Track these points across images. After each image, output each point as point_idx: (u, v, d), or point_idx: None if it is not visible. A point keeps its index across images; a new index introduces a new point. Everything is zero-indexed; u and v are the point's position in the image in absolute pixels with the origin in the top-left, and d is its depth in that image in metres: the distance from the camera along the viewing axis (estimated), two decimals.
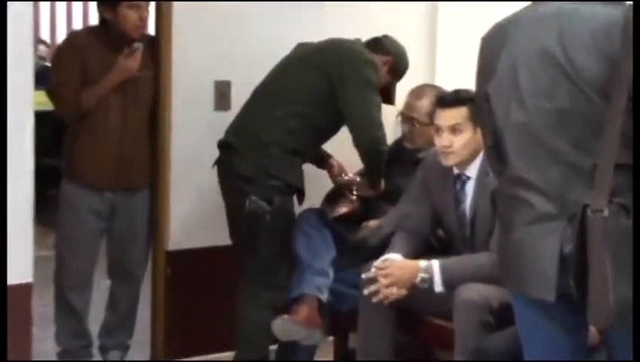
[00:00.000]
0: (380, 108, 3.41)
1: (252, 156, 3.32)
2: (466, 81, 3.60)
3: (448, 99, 3.09)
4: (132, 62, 3.44)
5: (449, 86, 3.69)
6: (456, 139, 3.06)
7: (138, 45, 3.45)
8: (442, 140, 3.07)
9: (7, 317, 2.37)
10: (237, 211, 3.34)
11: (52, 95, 3.52)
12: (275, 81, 3.45)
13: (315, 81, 3.36)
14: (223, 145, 3.46)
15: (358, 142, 3.38)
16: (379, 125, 3.36)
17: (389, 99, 3.64)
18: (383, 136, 3.39)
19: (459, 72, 3.96)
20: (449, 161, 3.10)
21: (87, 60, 3.44)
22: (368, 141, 3.36)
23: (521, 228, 2.17)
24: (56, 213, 3.58)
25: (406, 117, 3.68)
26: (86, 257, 3.61)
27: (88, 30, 3.69)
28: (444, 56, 4.30)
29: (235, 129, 3.46)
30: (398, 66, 3.60)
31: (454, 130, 3.05)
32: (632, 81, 1.97)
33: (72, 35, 3.75)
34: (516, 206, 2.19)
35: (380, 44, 3.57)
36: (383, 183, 3.65)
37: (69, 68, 3.43)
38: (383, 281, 3.04)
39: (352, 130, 3.39)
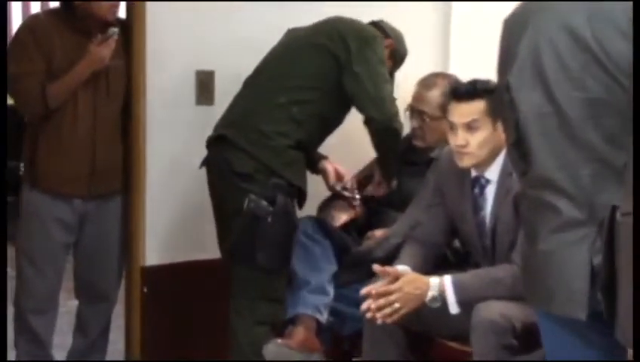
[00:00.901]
0: (392, 85, 3.46)
1: (253, 150, 3.30)
2: (481, 75, 3.67)
3: (463, 92, 3.06)
4: (106, 50, 3.39)
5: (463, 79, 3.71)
6: (472, 138, 3.03)
7: (114, 31, 3.41)
8: (457, 139, 3.05)
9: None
10: (233, 214, 3.30)
11: (11, 88, 3.43)
12: (273, 68, 3.46)
13: (319, 62, 3.38)
14: (214, 140, 3.43)
15: (370, 120, 3.39)
16: (392, 101, 3.39)
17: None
18: (397, 112, 3.41)
19: (473, 67, 4.04)
20: (464, 163, 3.09)
21: (51, 48, 3.38)
22: (382, 117, 3.35)
23: (546, 236, 2.16)
24: (16, 224, 3.53)
25: (415, 110, 3.67)
26: (52, 276, 3.58)
27: (50, 13, 3.58)
28: (458, 53, 4.35)
29: (228, 122, 3.44)
30: (398, 51, 3.67)
31: (470, 127, 3.03)
32: (633, 81, 1.96)
33: (32, 19, 3.61)
34: (541, 211, 2.18)
35: (380, 28, 3.61)
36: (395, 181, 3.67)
37: (31, 56, 3.37)
38: (391, 297, 3.00)
39: (362, 108, 3.39)
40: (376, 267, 3.07)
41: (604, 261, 2.01)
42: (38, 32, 3.39)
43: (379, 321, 2.98)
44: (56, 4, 3.63)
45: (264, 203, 3.22)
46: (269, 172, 3.29)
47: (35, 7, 8.76)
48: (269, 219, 3.22)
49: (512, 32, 2.26)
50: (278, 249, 3.31)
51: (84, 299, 3.70)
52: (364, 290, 3.04)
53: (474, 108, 3.02)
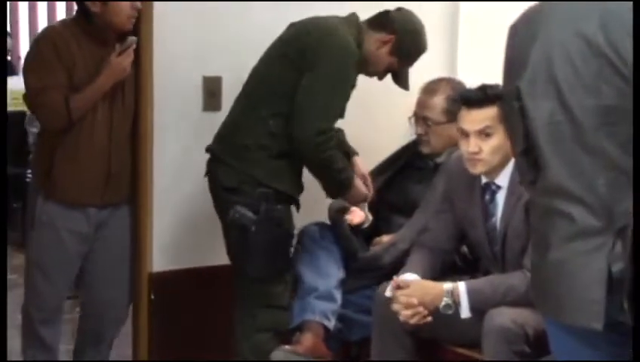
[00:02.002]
0: (339, 102, 3.28)
1: (236, 164, 3.31)
2: (489, 79, 3.65)
3: (474, 98, 3.04)
4: (127, 59, 3.38)
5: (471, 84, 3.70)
6: (485, 144, 3.02)
7: (133, 39, 3.39)
8: (469, 146, 3.03)
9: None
10: (226, 224, 3.34)
11: (34, 102, 3.40)
12: (255, 77, 3.43)
13: (284, 74, 3.31)
14: (209, 154, 3.45)
15: (292, 138, 3.25)
16: (319, 124, 3.21)
17: (399, 82, 3.54)
18: (320, 143, 3.22)
19: (481, 71, 4.03)
20: (477, 169, 3.07)
21: (72, 60, 3.35)
22: (302, 138, 3.22)
23: (559, 245, 2.13)
24: (23, 232, 3.52)
25: (419, 117, 3.66)
26: (62, 286, 3.57)
27: (67, 24, 3.50)
28: (466, 56, 4.33)
29: (219, 135, 3.45)
30: (404, 47, 3.47)
31: (483, 133, 3.02)
32: (633, 81, 1.95)
33: (51, 31, 3.53)
34: (553, 220, 2.14)
35: (385, 21, 3.47)
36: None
37: (53, 69, 3.32)
38: (402, 299, 3.00)
39: (293, 122, 3.25)
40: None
41: (631, 268, 1.97)
42: (59, 44, 3.35)
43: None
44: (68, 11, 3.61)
45: (248, 212, 3.21)
46: (255, 183, 3.27)
47: (61, 8, 8.71)
48: (253, 229, 3.21)
49: (521, 38, 2.22)
50: (266, 257, 3.27)
51: (90, 309, 3.66)
52: (388, 290, 3.06)
53: (486, 115, 3.01)
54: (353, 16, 3.46)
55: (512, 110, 2.23)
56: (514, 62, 2.24)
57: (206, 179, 3.45)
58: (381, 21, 3.48)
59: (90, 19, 3.38)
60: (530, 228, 2.34)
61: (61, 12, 8.68)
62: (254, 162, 3.29)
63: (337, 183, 3.40)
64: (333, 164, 3.31)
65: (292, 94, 3.26)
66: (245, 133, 3.32)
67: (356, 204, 3.59)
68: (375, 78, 3.56)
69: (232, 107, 3.46)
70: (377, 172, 3.80)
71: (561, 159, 2.12)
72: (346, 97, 3.29)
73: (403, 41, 3.46)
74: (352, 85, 3.32)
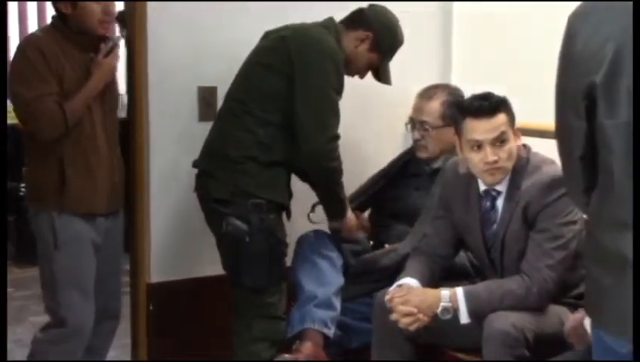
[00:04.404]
0: (336, 107, 3.30)
1: (227, 176, 3.31)
2: (485, 80, 3.69)
3: (485, 108, 3.01)
4: (115, 59, 3.41)
5: (466, 88, 3.73)
6: (501, 152, 3.02)
7: (115, 40, 3.42)
8: (487, 156, 3.01)
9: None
10: (219, 237, 3.36)
11: (27, 111, 3.32)
12: (239, 88, 3.43)
13: (271, 83, 3.32)
14: (196, 168, 3.46)
15: (300, 152, 3.29)
16: (326, 132, 3.27)
17: (381, 78, 3.57)
18: (332, 147, 3.29)
19: (476, 73, 4.07)
20: (497, 178, 3.06)
21: (60, 67, 3.33)
22: (314, 147, 3.26)
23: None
24: (48, 255, 3.37)
25: (416, 121, 3.69)
26: (92, 298, 3.46)
27: (47, 31, 3.46)
28: (460, 57, 4.34)
29: (206, 148, 3.46)
30: (383, 41, 3.50)
31: (500, 140, 3.01)
32: (633, 81, 1.90)
33: (36, 39, 3.43)
34: (625, 234, 1.95)
35: (360, 18, 3.50)
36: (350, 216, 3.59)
37: (46, 77, 3.29)
38: (401, 308, 3.02)
39: (297, 137, 3.28)
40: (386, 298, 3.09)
41: None
42: (47, 51, 3.32)
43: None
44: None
45: (240, 224, 3.23)
46: (247, 194, 3.28)
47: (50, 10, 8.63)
48: (247, 239, 3.23)
49: (592, 30, 2.01)
50: (261, 267, 3.29)
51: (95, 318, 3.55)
52: (387, 297, 3.07)
53: (499, 122, 3.01)
54: (330, 20, 3.47)
55: (572, 109, 2.06)
56: (583, 58, 2.02)
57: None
58: (356, 19, 3.50)
59: (65, 24, 3.37)
60: (591, 240, 2.11)
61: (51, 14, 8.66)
62: (245, 173, 3.30)
63: (340, 200, 3.47)
64: (340, 174, 3.37)
65: (281, 104, 3.28)
66: (234, 145, 3.32)
67: (351, 228, 3.60)
68: (372, 86, 3.60)
69: (217, 120, 3.47)
70: (374, 180, 3.83)
71: (629, 167, 1.95)
72: (338, 102, 3.32)
73: (381, 36, 3.50)
74: (341, 90, 3.35)
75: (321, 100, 3.27)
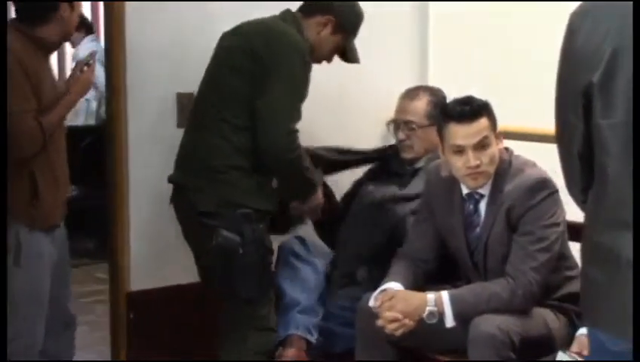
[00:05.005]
0: (300, 102, 3.23)
1: (210, 187, 3.23)
2: (462, 81, 3.70)
3: (467, 113, 3.02)
4: (91, 75, 3.36)
5: (444, 88, 3.75)
6: (484, 156, 3.03)
7: (94, 53, 3.40)
8: (469, 160, 3.03)
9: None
10: (205, 249, 3.24)
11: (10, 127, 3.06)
12: (207, 94, 3.34)
13: (244, 87, 3.23)
14: (173, 182, 3.38)
15: (262, 150, 3.20)
16: (285, 126, 3.18)
17: (349, 58, 3.49)
18: (290, 142, 3.19)
19: (453, 74, 4.08)
20: (479, 182, 3.08)
21: (37, 76, 3.20)
22: (271, 140, 3.17)
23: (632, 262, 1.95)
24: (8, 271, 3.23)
25: (402, 122, 3.69)
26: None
27: (15, 35, 3.21)
28: (437, 57, 4.33)
29: (183, 160, 3.37)
30: (346, 22, 3.42)
31: (482, 145, 3.03)
32: (633, 82, 1.91)
33: (14, 46, 3.17)
34: (622, 233, 1.96)
35: (318, 3, 3.41)
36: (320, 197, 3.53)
37: (25, 90, 3.14)
38: (386, 314, 3.02)
39: (257, 133, 3.19)
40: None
41: None
42: (25, 60, 3.16)
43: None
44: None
45: (232, 236, 3.16)
46: (232, 205, 3.20)
47: None
48: (241, 251, 3.17)
49: (589, 28, 2.01)
50: (253, 277, 3.24)
51: (51, 330, 3.39)
52: (372, 303, 3.08)
53: (481, 127, 3.02)
54: (287, 12, 3.39)
55: (571, 108, 2.06)
56: (581, 57, 2.02)
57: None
58: (313, 5, 3.42)
59: (35, 24, 3.21)
60: (587, 239, 2.11)
61: None
62: (228, 183, 3.22)
63: (306, 182, 3.36)
64: (302, 162, 3.28)
65: (250, 106, 3.20)
66: (214, 154, 3.24)
67: (315, 207, 3.56)
68: (349, 89, 3.59)
69: (191, 130, 3.38)
70: (358, 181, 3.83)
71: (628, 166, 1.95)
72: (304, 97, 3.25)
73: (343, 17, 3.41)
74: (308, 83, 3.28)
75: (283, 95, 3.18)
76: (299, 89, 3.23)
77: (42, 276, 3.30)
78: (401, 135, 3.69)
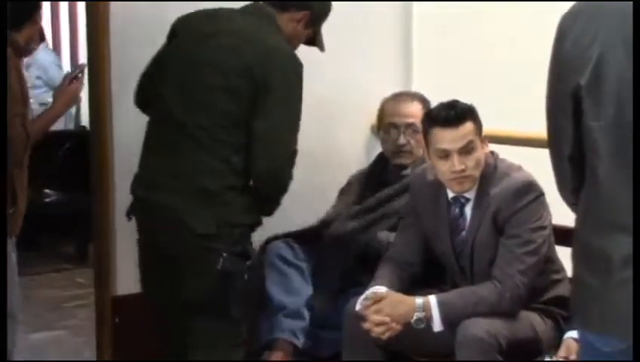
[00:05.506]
0: (297, 127, 3.15)
1: (208, 211, 3.04)
2: (446, 85, 3.72)
3: (452, 117, 3.03)
4: (79, 87, 3.37)
5: (428, 92, 3.76)
6: (469, 160, 3.05)
7: (83, 66, 3.42)
8: (454, 165, 3.03)
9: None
10: (195, 273, 3.07)
11: None
12: (195, 112, 3.09)
13: (240, 109, 3.05)
14: (146, 201, 3.19)
15: (258, 171, 3.08)
16: (288, 149, 3.11)
17: (318, 45, 3.36)
18: (291, 166, 3.13)
19: (437, 77, 4.10)
20: (465, 187, 3.10)
21: (26, 89, 3.22)
22: (278, 164, 3.08)
23: (624, 263, 1.95)
24: None
25: (401, 125, 3.68)
26: None
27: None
28: (421, 58, 4.32)
29: (162, 178, 3.13)
30: (318, 15, 3.30)
31: (467, 149, 3.04)
32: (633, 82, 1.91)
33: (13, 59, 3.15)
34: (613, 235, 1.97)
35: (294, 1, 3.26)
36: None
37: (16, 95, 3.11)
38: (374, 318, 3.03)
39: (256, 154, 3.09)
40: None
41: None
42: (20, 71, 3.20)
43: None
44: None
45: (239, 260, 3.03)
46: (231, 225, 3.06)
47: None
48: (246, 276, 3.05)
49: (580, 32, 2.01)
50: (251, 298, 3.21)
51: None
52: (358, 306, 3.08)
53: (466, 131, 3.03)
54: (262, 8, 3.22)
55: (561, 110, 2.08)
56: (570, 59, 2.03)
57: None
58: (288, 2, 3.24)
59: (11, 28, 3.15)
60: (578, 240, 2.11)
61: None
62: (227, 204, 3.06)
63: (279, 202, 3.22)
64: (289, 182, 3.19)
65: (246, 126, 3.06)
66: (211, 176, 3.05)
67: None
68: (332, 92, 3.57)
69: (168, 148, 3.13)
70: (357, 192, 3.80)
71: (622, 168, 1.95)
72: (300, 116, 3.16)
73: (317, 12, 3.31)
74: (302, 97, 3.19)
75: (285, 117, 3.09)
76: (297, 106, 3.13)
77: (10, 285, 3.17)
78: (402, 139, 3.67)
